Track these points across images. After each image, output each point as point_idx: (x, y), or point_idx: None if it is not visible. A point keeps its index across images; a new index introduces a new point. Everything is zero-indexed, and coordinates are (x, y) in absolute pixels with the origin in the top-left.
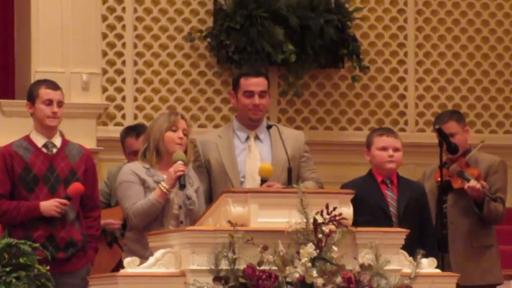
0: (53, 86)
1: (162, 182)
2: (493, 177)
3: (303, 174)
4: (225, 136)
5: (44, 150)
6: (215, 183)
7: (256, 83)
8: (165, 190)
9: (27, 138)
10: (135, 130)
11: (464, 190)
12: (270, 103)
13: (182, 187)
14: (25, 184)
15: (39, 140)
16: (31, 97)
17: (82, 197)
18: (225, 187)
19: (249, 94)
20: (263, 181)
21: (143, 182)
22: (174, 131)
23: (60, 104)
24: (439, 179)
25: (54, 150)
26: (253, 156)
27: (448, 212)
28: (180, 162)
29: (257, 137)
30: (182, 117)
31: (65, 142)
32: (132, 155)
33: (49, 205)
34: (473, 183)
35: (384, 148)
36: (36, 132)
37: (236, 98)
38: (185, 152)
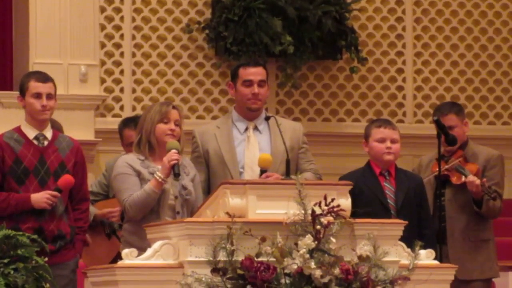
0: (42, 78)
1: (157, 172)
2: (491, 172)
3: (302, 166)
4: (224, 127)
5: (35, 142)
6: (214, 174)
7: (254, 73)
8: (160, 180)
9: (18, 130)
10: (133, 121)
11: (462, 185)
12: (268, 94)
13: (177, 175)
14: (15, 176)
15: (30, 132)
16: (22, 90)
17: (71, 189)
18: (223, 178)
19: (248, 83)
20: (262, 171)
21: (138, 174)
22: (166, 122)
23: (50, 96)
24: (437, 171)
25: (45, 143)
26: (252, 147)
27: (446, 206)
28: (174, 150)
29: (256, 128)
30: (174, 107)
31: (55, 134)
32: (130, 146)
33: (40, 197)
34: (472, 178)
35: (382, 140)
36: (27, 124)
37: (234, 89)
38: (179, 141)
